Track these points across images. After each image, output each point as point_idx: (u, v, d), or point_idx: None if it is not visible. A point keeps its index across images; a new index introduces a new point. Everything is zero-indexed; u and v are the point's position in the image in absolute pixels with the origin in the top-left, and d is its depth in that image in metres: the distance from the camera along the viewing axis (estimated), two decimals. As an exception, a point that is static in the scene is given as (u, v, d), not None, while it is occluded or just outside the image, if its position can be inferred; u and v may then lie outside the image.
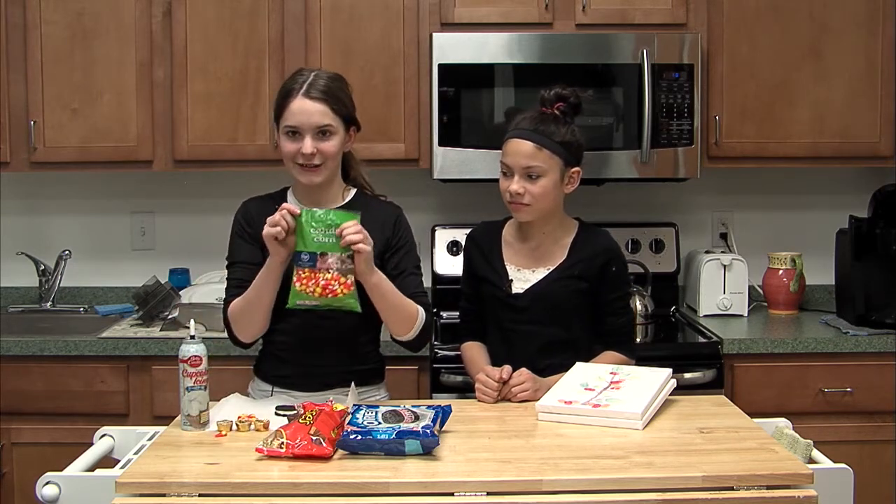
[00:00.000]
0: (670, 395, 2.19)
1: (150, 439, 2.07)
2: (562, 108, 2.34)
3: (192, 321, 2.16)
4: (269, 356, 2.39)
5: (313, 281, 2.09)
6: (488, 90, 3.16)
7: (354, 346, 2.35)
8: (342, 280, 2.10)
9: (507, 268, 2.44)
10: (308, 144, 2.23)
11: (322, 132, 2.24)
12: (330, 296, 2.09)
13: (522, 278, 2.42)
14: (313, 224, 2.09)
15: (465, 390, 2.72)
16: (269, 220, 2.13)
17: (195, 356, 2.06)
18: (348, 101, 2.31)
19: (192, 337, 2.09)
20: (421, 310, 2.29)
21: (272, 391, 2.36)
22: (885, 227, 3.13)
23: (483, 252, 2.48)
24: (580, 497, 1.73)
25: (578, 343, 2.41)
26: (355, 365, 2.34)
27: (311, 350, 2.31)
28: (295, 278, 2.10)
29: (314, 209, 2.12)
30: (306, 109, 2.23)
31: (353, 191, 2.41)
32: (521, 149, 2.31)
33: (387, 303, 2.22)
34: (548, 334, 2.40)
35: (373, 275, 2.16)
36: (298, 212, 2.11)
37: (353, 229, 2.09)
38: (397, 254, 2.34)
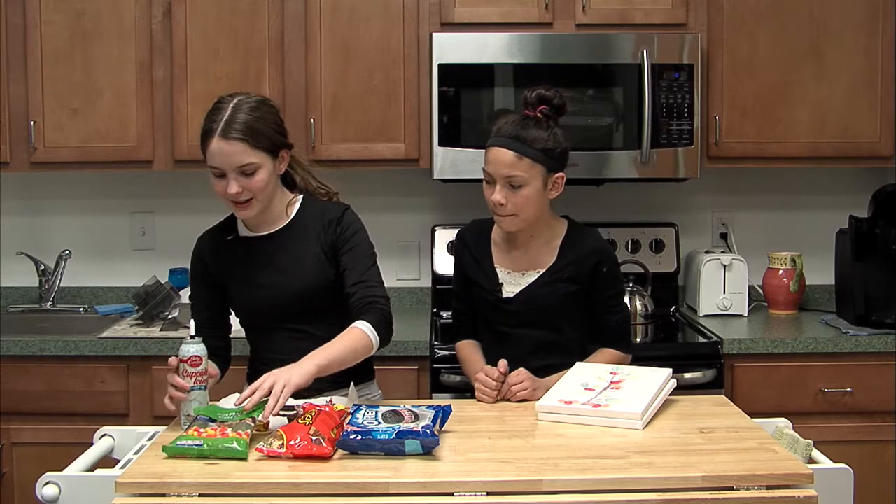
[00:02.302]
0: (670, 395, 2.19)
1: (150, 439, 2.07)
2: (545, 112, 2.30)
3: (192, 321, 2.16)
4: (257, 371, 2.37)
5: (206, 429, 1.90)
6: (488, 90, 3.16)
7: None
8: (237, 432, 1.89)
9: (497, 271, 2.43)
10: (233, 186, 2.19)
11: (245, 171, 2.19)
12: (220, 436, 1.86)
13: (513, 282, 2.41)
14: (219, 413, 1.97)
15: (465, 390, 2.72)
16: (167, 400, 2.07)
17: (195, 356, 2.06)
18: (271, 130, 2.23)
19: (192, 337, 2.09)
20: (365, 327, 2.17)
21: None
22: (885, 227, 3.13)
23: (473, 254, 2.47)
24: (580, 497, 1.72)
25: (571, 344, 2.40)
26: None
27: (295, 361, 2.27)
28: (190, 429, 1.92)
29: (215, 406, 2.03)
30: (224, 151, 2.17)
31: (299, 201, 2.35)
32: (502, 157, 2.27)
33: (346, 362, 2.15)
34: (539, 337, 2.39)
35: (319, 369, 2.06)
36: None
37: (255, 397, 1.96)
38: (343, 252, 2.28)
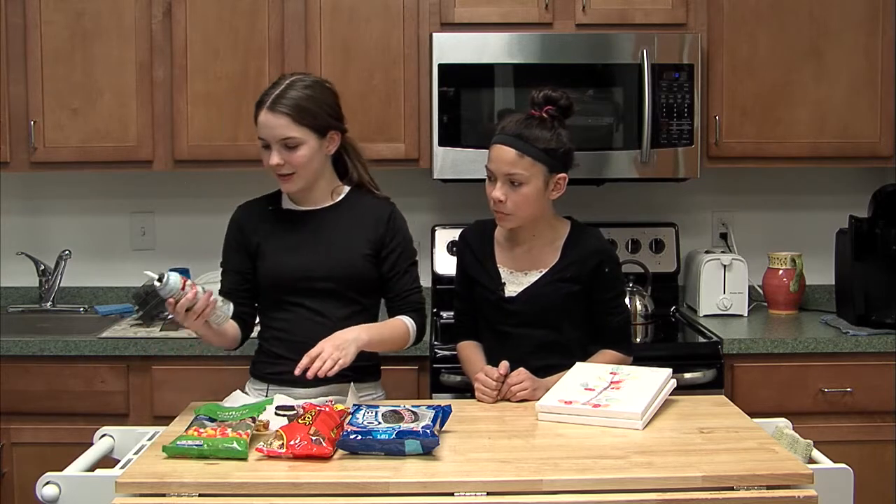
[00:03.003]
0: (670, 395, 2.19)
1: (150, 439, 2.07)
2: (550, 112, 2.31)
3: (147, 272, 2.15)
4: (264, 355, 2.42)
5: (206, 429, 1.90)
6: (488, 90, 3.16)
7: None
8: (237, 432, 1.89)
9: (500, 270, 2.43)
10: (274, 157, 2.29)
11: (287, 144, 2.28)
12: (220, 436, 1.87)
13: (515, 281, 2.41)
14: (219, 412, 2.00)
15: (465, 390, 2.72)
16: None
17: (180, 282, 2.11)
18: (321, 110, 2.31)
19: (161, 278, 2.10)
20: (409, 322, 2.38)
21: (267, 389, 2.37)
22: (885, 227, 3.13)
23: (475, 253, 2.47)
24: (580, 497, 1.73)
25: (571, 345, 2.40)
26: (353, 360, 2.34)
27: (306, 346, 2.31)
28: (191, 429, 1.92)
29: (216, 405, 2.07)
30: (269, 123, 2.27)
31: (346, 190, 2.43)
32: (503, 155, 2.29)
33: (384, 347, 2.35)
34: (540, 336, 2.39)
35: (368, 342, 2.24)
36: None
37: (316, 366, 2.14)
38: (392, 254, 2.39)
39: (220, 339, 2.35)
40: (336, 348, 2.16)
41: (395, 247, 2.39)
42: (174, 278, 2.11)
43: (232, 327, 2.36)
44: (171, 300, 2.13)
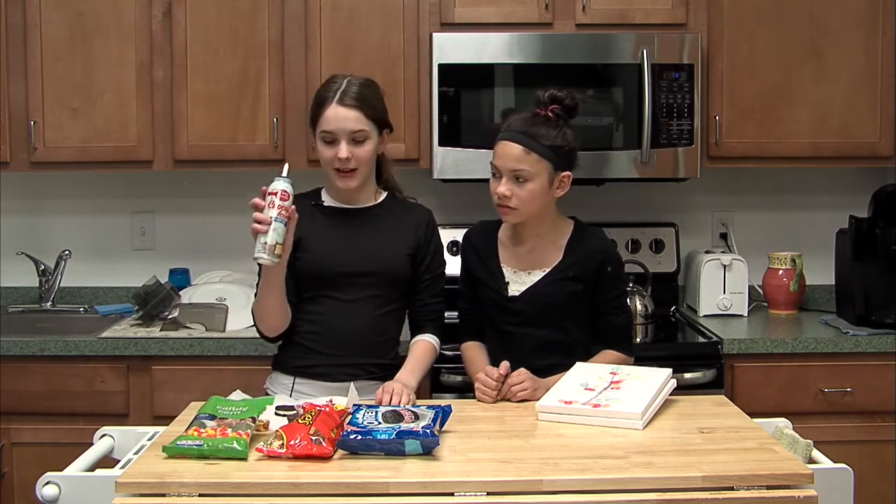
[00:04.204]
0: (670, 395, 2.19)
1: (150, 439, 2.07)
2: (556, 111, 2.33)
3: (286, 165, 2.20)
4: (294, 347, 2.42)
5: (206, 429, 1.89)
6: (488, 90, 3.16)
7: (382, 337, 2.43)
8: (237, 432, 1.88)
9: (504, 269, 2.44)
10: (343, 150, 2.31)
11: (356, 138, 2.32)
12: (219, 436, 1.86)
13: (518, 280, 2.42)
14: (219, 406, 2.00)
15: (465, 390, 2.72)
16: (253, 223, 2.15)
17: (284, 191, 2.14)
18: (380, 105, 2.38)
19: (284, 177, 2.16)
20: (435, 343, 2.48)
21: (293, 383, 2.37)
22: (885, 227, 3.13)
23: (479, 253, 2.48)
24: (580, 497, 1.72)
25: (574, 344, 2.41)
26: (380, 358, 2.40)
27: (338, 341, 2.34)
28: (191, 429, 1.91)
29: (223, 398, 2.07)
30: (340, 116, 2.31)
31: (385, 193, 2.49)
32: (509, 151, 2.31)
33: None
34: (543, 336, 2.40)
35: (414, 389, 2.32)
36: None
37: (405, 399, 2.20)
38: (428, 257, 2.46)
39: (284, 304, 2.32)
40: (405, 387, 2.24)
41: (432, 251, 2.47)
42: (285, 185, 2.15)
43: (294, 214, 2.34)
44: (266, 190, 2.15)
